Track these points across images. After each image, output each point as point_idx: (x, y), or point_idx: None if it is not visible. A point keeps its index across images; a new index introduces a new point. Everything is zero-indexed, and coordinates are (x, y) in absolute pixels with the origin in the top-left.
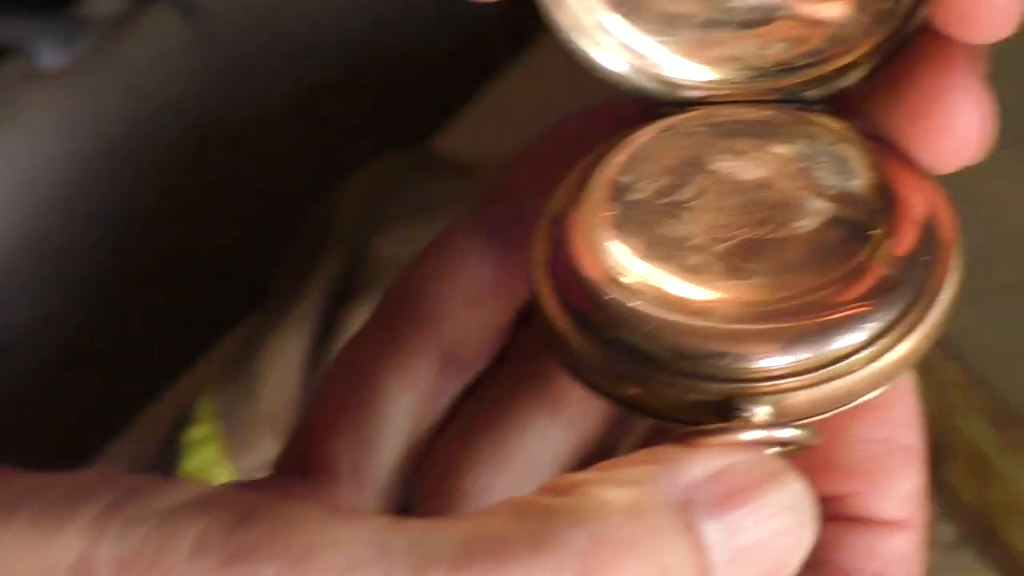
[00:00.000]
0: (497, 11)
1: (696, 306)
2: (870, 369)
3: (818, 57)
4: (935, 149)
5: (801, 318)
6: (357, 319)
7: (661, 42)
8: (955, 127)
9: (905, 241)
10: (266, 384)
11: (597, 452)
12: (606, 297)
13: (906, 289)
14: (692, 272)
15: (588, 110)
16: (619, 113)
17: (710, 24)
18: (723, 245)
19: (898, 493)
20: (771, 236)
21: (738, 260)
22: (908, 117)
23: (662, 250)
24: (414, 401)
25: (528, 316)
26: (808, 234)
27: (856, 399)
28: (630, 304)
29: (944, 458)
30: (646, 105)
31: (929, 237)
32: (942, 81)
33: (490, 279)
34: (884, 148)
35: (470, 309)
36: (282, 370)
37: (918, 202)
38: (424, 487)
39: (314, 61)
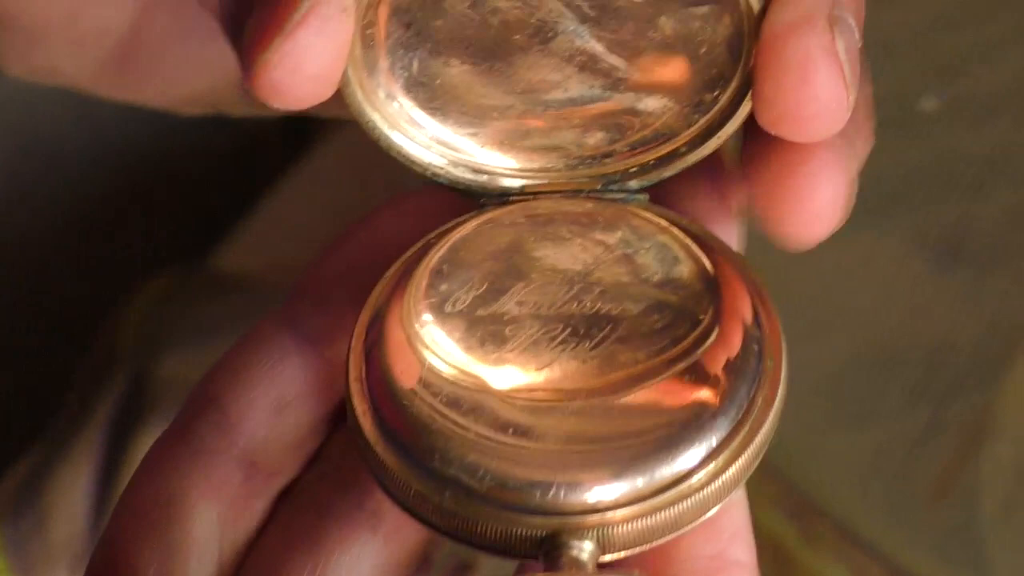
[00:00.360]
0: (272, 120)
1: (521, 421)
2: (703, 493)
3: (639, 147)
4: (793, 222)
5: (632, 437)
6: (145, 441)
7: (474, 135)
8: (812, 200)
9: (734, 340)
10: (56, 514)
11: (418, 566)
12: (425, 423)
13: (739, 396)
14: (516, 377)
15: (397, 204)
16: (430, 207)
17: (527, 115)
18: (548, 342)
19: None
20: (596, 329)
21: (566, 358)
22: (767, 190)
23: (484, 355)
24: (219, 512)
25: (343, 413)
26: (633, 325)
27: (687, 525)
28: (451, 431)
29: None
30: (467, 198)
31: (756, 334)
32: (799, 154)
33: (298, 381)
34: (704, 239)
35: (276, 414)
36: (71, 498)
37: (742, 294)
38: None
39: (86, 179)
